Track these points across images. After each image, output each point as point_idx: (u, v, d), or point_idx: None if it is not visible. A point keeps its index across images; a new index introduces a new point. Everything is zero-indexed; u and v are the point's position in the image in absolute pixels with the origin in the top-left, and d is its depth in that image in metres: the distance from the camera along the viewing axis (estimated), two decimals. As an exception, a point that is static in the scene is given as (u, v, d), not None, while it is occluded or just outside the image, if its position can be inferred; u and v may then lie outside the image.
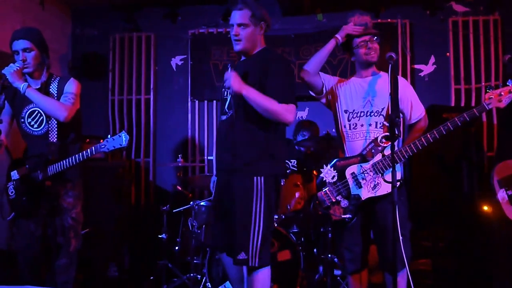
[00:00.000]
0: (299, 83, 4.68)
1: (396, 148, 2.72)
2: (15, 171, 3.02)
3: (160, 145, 5.19)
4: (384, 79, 2.93)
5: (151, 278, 3.95)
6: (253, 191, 2.58)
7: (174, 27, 5.22)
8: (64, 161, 2.91)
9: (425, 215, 4.13)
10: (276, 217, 3.65)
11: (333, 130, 3.14)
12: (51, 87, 3.04)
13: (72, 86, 3.05)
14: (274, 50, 2.68)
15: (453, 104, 4.78)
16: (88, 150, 2.86)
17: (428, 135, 2.73)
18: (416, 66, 4.90)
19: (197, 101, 5.12)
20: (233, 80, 2.57)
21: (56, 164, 2.92)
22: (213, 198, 2.84)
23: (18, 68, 2.87)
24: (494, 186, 3.30)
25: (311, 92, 3.10)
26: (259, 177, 2.60)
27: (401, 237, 2.56)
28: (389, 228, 2.68)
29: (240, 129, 2.64)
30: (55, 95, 3.02)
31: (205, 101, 5.11)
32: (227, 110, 2.70)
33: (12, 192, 3.01)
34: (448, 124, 2.68)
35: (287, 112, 2.58)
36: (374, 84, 2.93)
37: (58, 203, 3.00)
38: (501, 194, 3.24)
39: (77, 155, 2.89)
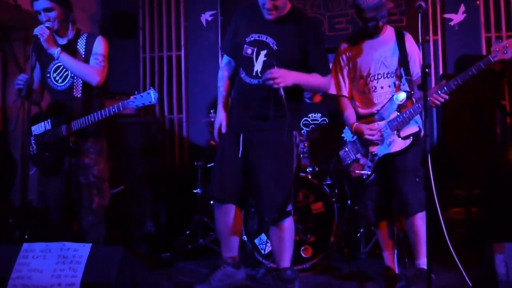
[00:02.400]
0: (331, 35, 4.52)
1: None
2: (37, 125, 2.83)
3: (192, 101, 5.03)
4: (390, 34, 2.85)
5: (187, 232, 3.83)
6: (291, 145, 2.65)
7: (204, -19, 5.03)
8: (88, 116, 2.71)
9: (459, 164, 3.95)
10: (310, 169, 3.60)
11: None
12: (78, 44, 2.83)
13: (100, 47, 2.83)
14: (303, 11, 2.52)
15: (484, 53, 4.43)
16: (116, 106, 2.68)
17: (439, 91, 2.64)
18: (446, 15, 4.55)
19: (227, 56, 4.91)
20: (285, 77, 2.45)
21: (80, 119, 2.73)
22: (229, 153, 2.70)
23: (49, 32, 2.67)
24: None
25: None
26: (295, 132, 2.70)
27: (417, 179, 2.67)
28: (405, 171, 2.75)
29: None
30: (83, 53, 2.82)
31: (236, 56, 4.89)
32: (260, 75, 2.55)
33: (33, 147, 2.83)
34: (458, 79, 2.59)
35: (329, 85, 2.66)
36: (383, 43, 2.84)
37: (79, 159, 2.82)
38: None
39: (103, 110, 2.70)
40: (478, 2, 4.44)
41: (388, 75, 2.82)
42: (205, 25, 5.00)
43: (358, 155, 2.86)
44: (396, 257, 2.98)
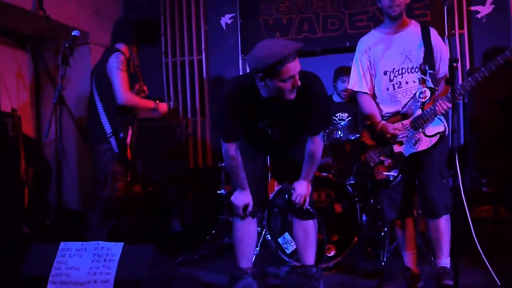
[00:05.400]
0: (352, 33, 4.63)
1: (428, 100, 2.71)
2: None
3: (214, 104, 5.13)
4: (415, 28, 2.82)
5: (213, 232, 4.01)
6: None
7: (223, -15, 5.12)
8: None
9: (487, 161, 3.96)
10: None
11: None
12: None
13: None
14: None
15: None
16: None
17: (464, 83, 2.65)
18: (472, 8, 4.49)
19: (248, 59, 5.02)
20: (304, 192, 2.77)
21: None
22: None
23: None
24: None
25: None
26: None
27: (444, 180, 2.71)
28: (431, 172, 2.75)
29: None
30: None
31: (256, 58, 5.00)
32: (278, 138, 2.78)
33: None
34: (491, 65, 2.59)
35: (321, 146, 2.76)
36: (407, 37, 2.81)
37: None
38: None
39: None
40: (507, -8, 4.33)
41: (413, 70, 2.78)
42: (225, 28, 5.10)
43: (382, 157, 2.84)
44: (416, 257, 2.99)
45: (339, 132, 3.79)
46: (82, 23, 4.45)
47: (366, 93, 2.94)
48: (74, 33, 2.93)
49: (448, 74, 2.45)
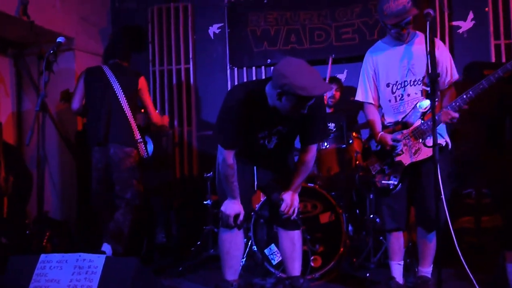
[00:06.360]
0: (338, 45, 4.60)
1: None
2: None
3: (201, 113, 5.09)
4: (420, 40, 2.79)
5: (198, 243, 3.91)
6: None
7: (211, -5, 5.09)
8: None
9: (468, 172, 3.98)
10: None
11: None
12: None
13: None
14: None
15: (493, 60, 4.42)
16: None
17: (464, 96, 2.62)
18: (454, 23, 4.54)
19: (236, 69, 4.96)
20: (293, 203, 2.72)
21: None
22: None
23: None
24: None
25: None
26: None
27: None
28: (429, 186, 2.65)
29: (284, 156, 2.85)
30: None
31: (244, 68, 4.93)
32: (271, 147, 2.72)
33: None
34: (483, 82, 2.58)
35: (313, 157, 2.74)
36: (411, 50, 2.80)
37: None
38: None
39: None
40: (487, 9, 4.39)
41: (415, 83, 2.77)
42: (212, 37, 5.05)
43: (383, 166, 2.85)
44: (403, 267, 2.98)
45: (325, 143, 3.77)
46: (68, 29, 4.37)
47: (371, 103, 2.94)
48: (59, 40, 2.85)
49: (430, 89, 2.42)
